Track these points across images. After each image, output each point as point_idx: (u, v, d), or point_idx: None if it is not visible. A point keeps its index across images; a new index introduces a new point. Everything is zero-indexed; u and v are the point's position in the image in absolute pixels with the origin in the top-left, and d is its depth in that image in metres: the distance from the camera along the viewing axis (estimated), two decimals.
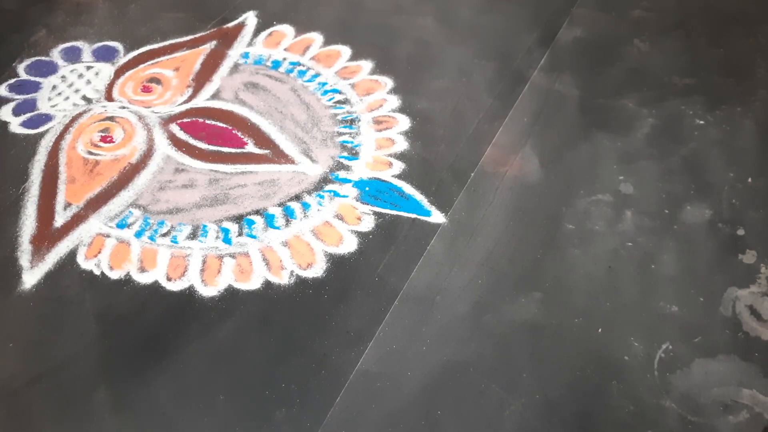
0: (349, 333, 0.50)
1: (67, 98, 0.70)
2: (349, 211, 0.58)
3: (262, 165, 0.62)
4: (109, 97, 0.70)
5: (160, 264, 0.55)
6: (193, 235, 0.57)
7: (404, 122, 0.66)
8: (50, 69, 0.73)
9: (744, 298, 0.51)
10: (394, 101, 0.68)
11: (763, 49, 0.71)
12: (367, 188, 0.60)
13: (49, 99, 0.70)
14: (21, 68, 0.73)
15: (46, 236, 0.57)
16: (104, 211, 0.59)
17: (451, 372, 0.48)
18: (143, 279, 0.54)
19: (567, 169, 0.61)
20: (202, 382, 0.48)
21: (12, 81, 0.72)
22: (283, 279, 0.53)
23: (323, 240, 0.56)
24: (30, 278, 0.54)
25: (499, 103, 0.67)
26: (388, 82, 0.70)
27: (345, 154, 0.63)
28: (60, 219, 0.58)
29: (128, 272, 0.54)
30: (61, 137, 0.65)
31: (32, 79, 0.72)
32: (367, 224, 0.57)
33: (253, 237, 0.56)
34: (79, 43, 0.75)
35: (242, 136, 0.64)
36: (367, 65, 0.72)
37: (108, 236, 0.57)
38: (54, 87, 0.71)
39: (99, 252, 0.56)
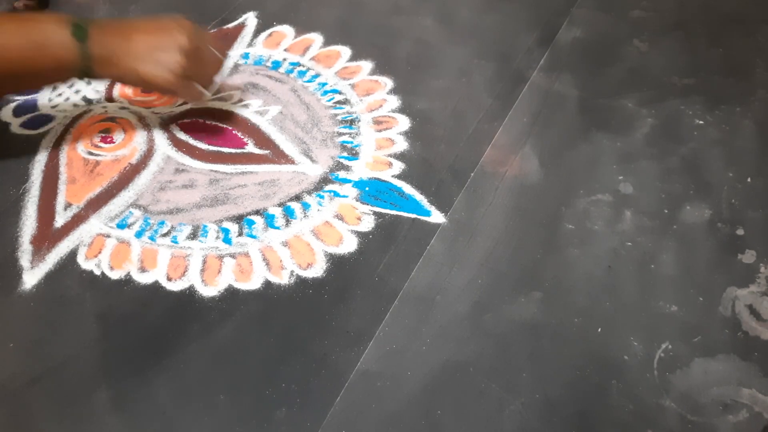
0: (349, 333, 0.50)
1: (67, 99, 0.70)
2: (349, 211, 0.58)
3: (262, 165, 0.62)
4: (109, 98, 0.70)
5: (161, 264, 0.55)
6: (193, 235, 0.57)
7: (404, 122, 0.66)
8: None
9: (743, 298, 0.51)
10: (394, 101, 0.68)
11: (763, 49, 0.71)
12: (367, 188, 0.60)
13: (50, 100, 0.70)
14: None
15: (47, 236, 0.57)
16: (104, 211, 0.59)
17: (451, 372, 0.48)
18: (143, 279, 0.54)
19: (567, 169, 0.61)
20: (202, 382, 0.48)
21: None
22: (283, 279, 0.53)
23: (323, 240, 0.56)
24: (30, 278, 0.54)
25: (499, 103, 0.67)
26: (388, 83, 0.70)
27: (345, 154, 0.63)
28: (60, 219, 0.58)
29: (128, 272, 0.54)
30: (61, 138, 0.65)
31: None
32: (367, 224, 0.57)
33: (254, 237, 0.56)
34: None
35: (242, 137, 0.64)
36: (367, 65, 0.72)
37: (108, 236, 0.57)
38: (54, 88, 0.71)
39: (99, 252, 0.56)
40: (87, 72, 0.54)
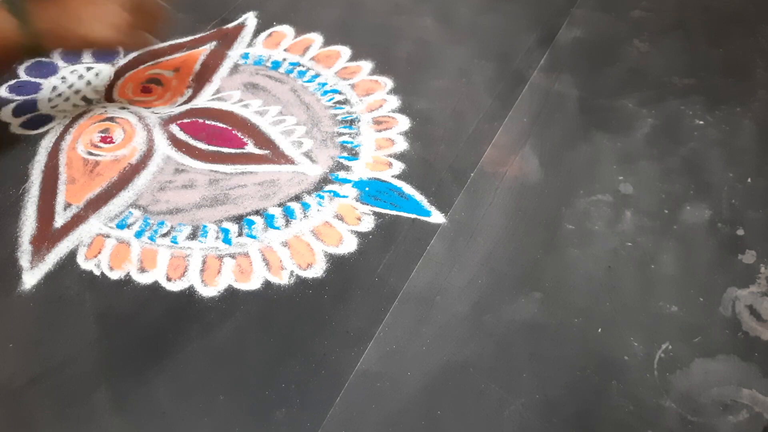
0: (349, 333, 0.50)
1: (67, 99, 0.70)
2: (349, 212, 0.58)
3: (262, 165, 0.62)
4: (109, 98, 0.70)
5: (160, 264, 0.55)
6: (193, 236, 0.57)
7: (404, 122, 0.66)
8: (50, 70, 0.73)
9: (744, 298, 0.51)
10: (394, 101, 0.68)
11: (763, 49, 0.71)
12: (367, 188, 0.60)
13: (50, 100, 0.70)
14: (21, 69, 0.73)
15: (46, 237, 0.57)
16: (104, 211, 0.59)
17: (451, 372, 0.48)
18: (143, 279, 0.54)
19: (567, 169, 0.61)
20: (202, 382, 0.48)
21: (12, 82, 0.72)
22: (283, 279, 0.53)
23: (323, 240, 0.56)
24: (30, 278, 0.54)
25: (499, 103, 0.67)
26: (387, 83, 0.70)
27: (345, 154, 0.63)
28: (60, 219, 0.58)
29: (128, 272, 0.54)
30: (61, 138, 0.65)
31: (32, 80, 0.72)
32: (367, 224, 0.57)
33: (253, 237, 0.56)
34: None
35: (242, 137, 0.64)
36: (366, 65, 0.72)
37: (108, 236, 0.57)
38: (54, 88, 0.71)
39: (99, 252, 0.56)
40: (35, 49, 0.53)
